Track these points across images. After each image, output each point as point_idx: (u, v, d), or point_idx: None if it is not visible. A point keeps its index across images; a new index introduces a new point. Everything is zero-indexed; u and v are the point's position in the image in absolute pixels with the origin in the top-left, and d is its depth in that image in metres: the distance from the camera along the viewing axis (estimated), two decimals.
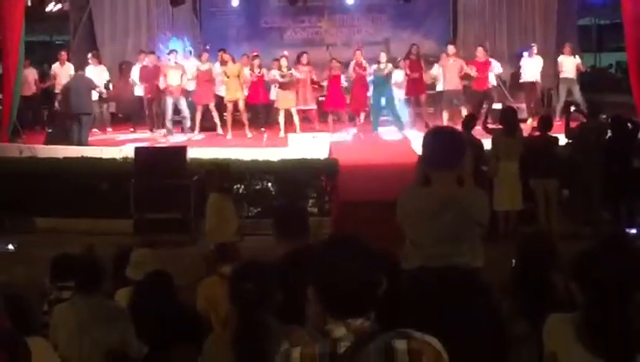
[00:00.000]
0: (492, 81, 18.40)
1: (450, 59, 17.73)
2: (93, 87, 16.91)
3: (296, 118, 17.59)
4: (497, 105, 17.35)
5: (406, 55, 18.59)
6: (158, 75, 18.18)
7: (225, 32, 22.01)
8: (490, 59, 18.36)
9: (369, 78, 17.89)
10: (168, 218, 11.63)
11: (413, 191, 4.67)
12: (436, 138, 4.60)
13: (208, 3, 23.00)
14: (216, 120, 18.13)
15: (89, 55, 19.33)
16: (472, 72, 17.62)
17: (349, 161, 13.29)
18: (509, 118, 11.03)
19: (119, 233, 11.06)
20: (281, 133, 17.17)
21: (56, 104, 18.47)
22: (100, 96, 17.85)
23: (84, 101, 16.45)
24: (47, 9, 19.89)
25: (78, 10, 21.78)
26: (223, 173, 9.21)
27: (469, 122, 11.25)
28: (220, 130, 18.11)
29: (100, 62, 19.37)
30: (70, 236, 10.88)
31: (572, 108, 13.36)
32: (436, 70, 18.33)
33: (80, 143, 15.77)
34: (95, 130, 18.51)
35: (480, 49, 18.14)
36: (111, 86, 19.16)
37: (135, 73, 19.07)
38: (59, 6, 20.48)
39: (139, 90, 18.95)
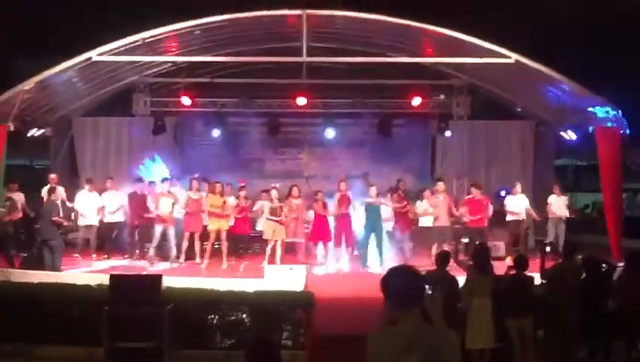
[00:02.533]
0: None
1: (440, 195, 18.02)
2: (56, 214, 16.75)
3: (279, 251, 17.68)
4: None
5: (393, 189, 18.92)
6: (144, 203, 18.37)
7: (206, 161, 22.33)
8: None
9: (355, 211, 18.16)
10: (141, 347, 11.51)
11: (381, 331, 4.69)
12: (395, 277, 4.69)
13: (189, 132, 23.43)
14: (197, 249, 18.25)
15: (83, 181, 19.59)
16: (466, 215, 17.95)
17: (326, 294, 13.36)
18: (481, 255, 11.15)
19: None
20: (265, 263, 17.20)
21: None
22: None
23: (49, 227, 16.50)
24: (29, 134, 20.14)
25: (59, 136, 22.14)
26: None
27: (444, 258, 11.37)
28: (198, 259, 18.18)
29: (93, 189, 19.53)
30: None
31: (547, 249, 13.54)
32: (422, 206, 18.61)
33: (53, 269, 15.77)
34: (76, 255, 18.59)
35: (474, 188, 18.46)
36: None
37: (108, 200, 19.28)
38: (41, 131, 20.74)
39: (110, 217, 19.15)
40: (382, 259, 17.40)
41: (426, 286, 4.73)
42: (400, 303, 4.60)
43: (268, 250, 17.80)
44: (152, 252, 18.11)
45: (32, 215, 19.18)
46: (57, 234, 16.77)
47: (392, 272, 4.75)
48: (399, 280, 4.66)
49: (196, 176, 19.23)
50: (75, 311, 12.25)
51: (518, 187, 19.45)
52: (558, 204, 19.35)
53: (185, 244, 18.27)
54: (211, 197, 18.07)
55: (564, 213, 19.35)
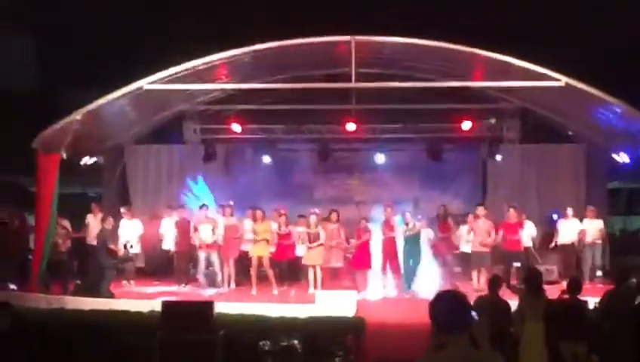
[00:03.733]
0: (526, 242, 18.57)
1: (480, 220, 17.97)
2: (108, 243, 17.36)
3: (319, 275, 17.75)
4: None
5: (438, 215, 18.95)
6: (188, 229, 18.58)
7: (255, 187, 22.34)
8: (526, 221, 18.62)
9: (400, 239, 18.14)
10: None
11: (428, 357, 4.70)
12: (441, 302, 4.68)
13: (239, 159, 23.52)
14: (232, 276, 18.41)
15: (122, 209, 19.81)
16: (499, 237, 17.85)
17: (377, 320, 13.35)
18: (532, 279, 11.08)
19: None
20: (310, 289, 17.27)
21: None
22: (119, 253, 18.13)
23: (104, 254, 16.96)
24: (82, 162, 20.45)
25: (111, 164, 22.45)
26: None
27: (495, 283, 11.31)
28: (224, 288, 18.35)
29: (132, 216, 19.79)
30: None
31: (599, 273, 13.42)
32: (463, 231, 18.61)
33: (104, 295, 15.99)
34: (125, 281, 18.84)
35: (511, 211, 18.34)
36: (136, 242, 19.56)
37: (165, 227, 19.51)
38: (93, 159, 21.04)
39: (167, 244, 19.37)
40: (413, 283, 17.70)
41: (473, 312, 4.72)
42: (446, 328, 4.59)
43: (310, 276, 17.82)
44: (201, 278, 18.33)
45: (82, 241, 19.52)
46: (110, 261, 17.06)
47: (438, 297, 4.75)
48: (445, 305, 4.65)
49: (231, 203, 19.32)
50: (127, 338, 12.37)
51: (570, 211, 19.25)
52: (590, 228, 19.10)
53: (227, 270, 18.43)
54: (258, 224, 18.16)
55: (597, 236, 19.06)
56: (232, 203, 19.35)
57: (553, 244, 19.36)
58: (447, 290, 4.92)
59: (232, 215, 18.79)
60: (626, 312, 10.82)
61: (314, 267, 17.86)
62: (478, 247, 17.83)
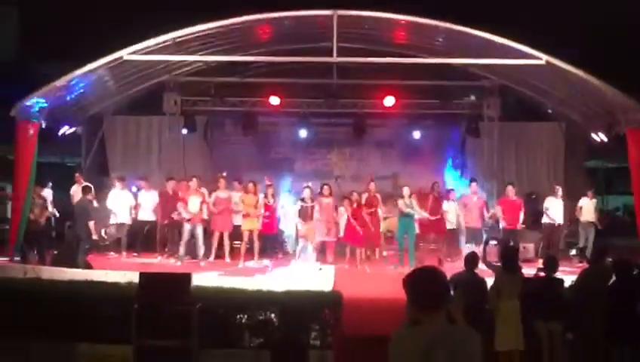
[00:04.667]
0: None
1: (474, 197, 18.02)
2: (90, 212, 17.07)
3: (311, 251, 17.74)
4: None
5: (429, 192, 18.89)
6: (176, 202, 18.43)
7: (236, 160, 22.35)
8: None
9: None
10: (170, 346, 11.54)
11: (403, 332, 4.68)
12: (419, 279, 4.67)
13: (219, 131, 23.44)
14: (227, 249, 18.29)
15: (116, 180, 19.90)
16: (499, 212, 17.91)
17: (354, 294, 13.35)
18: (509, 256, 11.12)
19: (119, 359, 11.04)
20: (293, 262, 17.27)
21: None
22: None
23: (80, 225, 16.76)
24: (60, 132, 20.30)
25: (90, 134, 22.29)
26: None
27: (472, 260, 11.33)
28: (227, 259, 18.21)
29: (124, 187, 19.73)
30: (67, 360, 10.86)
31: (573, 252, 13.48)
32: (451, 207, 18.63)
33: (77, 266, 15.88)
34: (111, 253, 18.76)
35: (510, 187, 18.45)
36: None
37: (143, 198, 19.43)
38: (72, 129, 20.90)
39: (143, 215, 19.28)
40: (414, 262, 17.22)
41: (450, 287, 4.71)
42: (422, 304, 4.59)
43: (297, 250, 17.84)
44: (181, 250, 18.19)
45: (56, 214, 19.43)
46: (88, 232, 16.91)
47: (414, 274, 4.73)
48: (421, 282, 4.64)
49: (224, 174, 19.25)
50: (104, 309, 12.32)
51: (560, 191, 19.28)
52: (589, 208, 19.24)
53: (214, 244, 18.36)
54: (245, 196, 18.12)
55: (594, 217, 19.24)
56: (225, 174, 19.25)
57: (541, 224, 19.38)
58: (424, 266, 4.91)
59: (225, 187, 18.69)
60: (601, 291, 10.88)
61: (305, 241, 17.81)
62: (472, 223, 17.92)
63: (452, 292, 8.16)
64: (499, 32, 17.18)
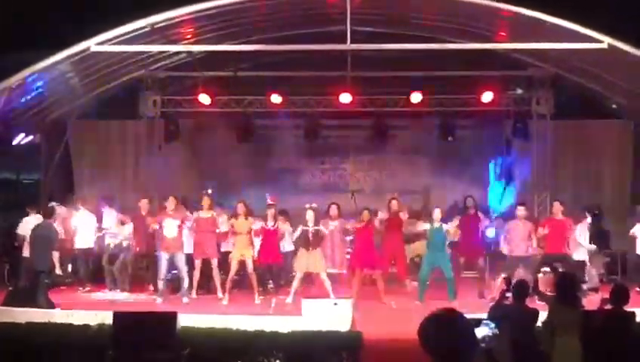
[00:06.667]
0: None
1: (519, 223, 17.82)
2: (54, 239, 16.78)
3: (327, 283, 17.31)
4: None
5: (461, 210, 18.79)
6: (147, 225, 18.35)
7: (227, 172, 22.45)
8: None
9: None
10: None
11: None
12: (429, 328, 4.37)
13: (208, 138, 23.41)
14: (217, 281, 18.14)
15: (77, 200, 19.93)
16: (544, 230, 17.76)
17: (376, 335, 13.37)
18: (564, 285, 11.04)
19: None
20: (289, 299, 17.11)
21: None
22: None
23: (40, 255, 16.60)
24: (15, 141, 20.39)
25: (52, 143, 22.34)
26: None
27: (521, 289, 11.28)
28: (220, 294, 18.04)
29: (90, 209, 19.84)
30: None
31: None
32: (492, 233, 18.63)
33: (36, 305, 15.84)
34: (80, 288, 18.82)
35: (556, 204, 18.23)
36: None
37: (107, 221, 19.43)
38: (30, 138, 20.98)
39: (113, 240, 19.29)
40: (453, 293, 17.09)
41: (490, 326, 4.67)
42: (441, 358, 4.31)
43: (295, 283, 17.45)
44: (161, 285, 17.96)
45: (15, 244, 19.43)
46: (47, 264, 16.74)
47: (427, 321, 4.41)
48: (434, 332, 4.35)
49: (209, 191, 19.12)
50: (71, 358, 12.33)
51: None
52: None
53: (196, 274, 18.08)
54: (235, 221, 17.94)
55: None
56: (210, 191, 19.09)
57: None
58: (438, 311, 4.57)
59: (210, 207, 18.47)
60: None
61: (307, 274, 17.68)
62: (518, 251, 17.73)
63: (493, 330, 8.16)
64: (549, 9, 17.17)
